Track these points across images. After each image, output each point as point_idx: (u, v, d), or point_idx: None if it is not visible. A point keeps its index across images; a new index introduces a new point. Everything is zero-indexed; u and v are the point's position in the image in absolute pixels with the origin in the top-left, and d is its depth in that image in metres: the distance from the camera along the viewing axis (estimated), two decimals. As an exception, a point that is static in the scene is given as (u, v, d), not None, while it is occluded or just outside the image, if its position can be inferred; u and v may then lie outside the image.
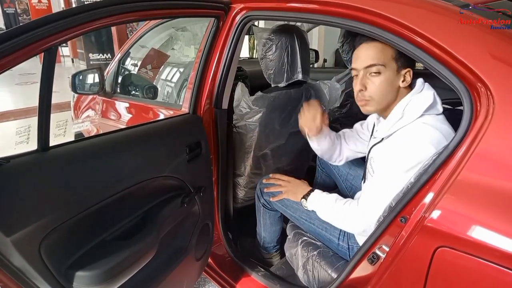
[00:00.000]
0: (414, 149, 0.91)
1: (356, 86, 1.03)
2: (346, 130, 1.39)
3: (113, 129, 1.06)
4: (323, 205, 1.15)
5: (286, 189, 1.30)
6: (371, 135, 1.20)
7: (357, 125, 1.35)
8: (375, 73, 0.99)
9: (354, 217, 1.03)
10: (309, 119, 1.26)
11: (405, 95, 1.00)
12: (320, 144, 1.31)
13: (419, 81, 1.01)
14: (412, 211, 0.78)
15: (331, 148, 1.33)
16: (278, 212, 1.42)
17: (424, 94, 0.98)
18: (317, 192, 1.21)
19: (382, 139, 1.06)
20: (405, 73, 1.00)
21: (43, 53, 0.75)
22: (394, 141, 1.00)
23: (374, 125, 1.20)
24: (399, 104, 1.00)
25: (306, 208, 1.22)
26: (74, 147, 0.89)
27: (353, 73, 1.06)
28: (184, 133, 1.21)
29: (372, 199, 0.99)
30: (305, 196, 1.21)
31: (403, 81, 1.00)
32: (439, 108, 0.97)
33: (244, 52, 4.90)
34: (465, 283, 0.70)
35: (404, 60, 0.99)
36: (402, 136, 0.97)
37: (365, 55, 1.00)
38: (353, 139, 1.34)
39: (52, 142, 0.83)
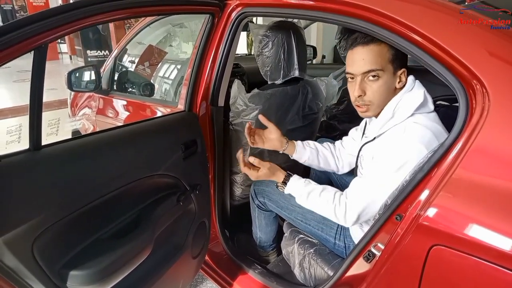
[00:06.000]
0: (403, 148, 0.91)
1: (355, 92, 0.99)
2: (344, 138, 1.36)
3: (110, 126, 1.05)
4: (305, 192, 1.09)
5: (260, 174, 1.17)
6: (363, 134, 1.19)
7: (352, 130, 1.33)
8: (373, 77, 0.97)
9: (336, 208, 1.01)
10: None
11: (397, 94, 0.99)
12: (304, 157, 1.31)
13: (410, 78, 1.00)
14: (407, 209, 0.77)
15: (322, 157, 1.33)
16: (273, 213, 1.42)
17: (414, 93, 0.97)
18: (295, 178, 1.14)
19: (374, 138, 1.05)
20: (401, 74, 0.99)
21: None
22: (385, 140, 0.99)
23: (365, 123, 1.19)
24: (389, 103, 0.99)
25: (282, 191, 1.17)
26: (67, 146, 0.88)
27: (348, 76, 1.03)
28: (179, 131, 1.20)
29: (357, 195, 0.98)
30: (284, 180, 1.15)
31: (399, 82, 0.99)
32: (430, 106, 0.96)
33: (243, 49, 4.87)
34: (460, 282, 0.70)
35: (399, 61, 0.98)
36: (392, 136, 0.96)
37: (362, 60, 0.97)
38: (350, 144, 1.31)
39: (44, 142, 0.82)
